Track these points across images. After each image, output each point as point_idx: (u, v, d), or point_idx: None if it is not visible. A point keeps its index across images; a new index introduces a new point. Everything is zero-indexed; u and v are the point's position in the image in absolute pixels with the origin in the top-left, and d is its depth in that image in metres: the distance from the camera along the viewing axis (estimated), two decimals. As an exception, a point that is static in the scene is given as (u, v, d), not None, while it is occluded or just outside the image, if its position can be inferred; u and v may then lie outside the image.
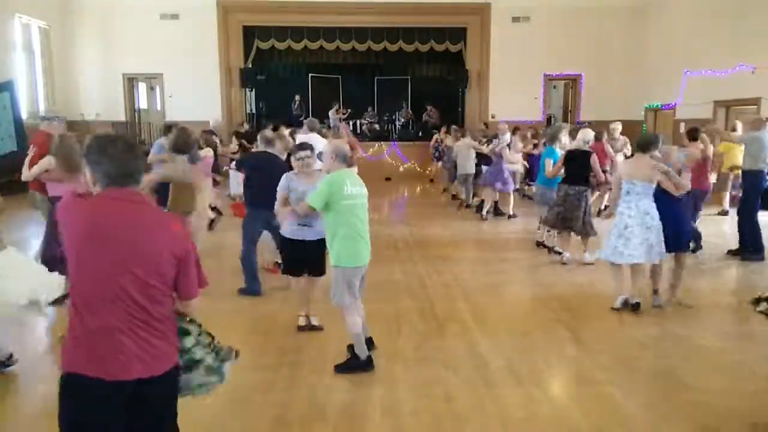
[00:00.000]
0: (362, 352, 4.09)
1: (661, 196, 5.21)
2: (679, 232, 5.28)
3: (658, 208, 5.19)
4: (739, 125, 9.22)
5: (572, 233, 7.01)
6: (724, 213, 10.21)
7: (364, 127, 17.38)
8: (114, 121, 15.84)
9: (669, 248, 5.26)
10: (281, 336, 4.80)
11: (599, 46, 16.17)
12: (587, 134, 7.02)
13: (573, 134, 8.04)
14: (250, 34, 16.57)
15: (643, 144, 5.36)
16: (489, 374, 4.10)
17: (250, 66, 16.76)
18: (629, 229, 5.17)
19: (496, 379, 4.04)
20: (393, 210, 12.00)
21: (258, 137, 6.23)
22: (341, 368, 4.11)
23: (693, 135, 7.49)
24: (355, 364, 4.11)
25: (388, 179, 15.86)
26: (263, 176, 5.63)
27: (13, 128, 10.90)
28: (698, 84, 13.09)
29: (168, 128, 8.01)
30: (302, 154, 4.63)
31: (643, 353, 4.50)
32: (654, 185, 5.18)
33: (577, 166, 6.78)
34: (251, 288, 5.78)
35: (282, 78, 18.10)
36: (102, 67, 15.92)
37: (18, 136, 10.90)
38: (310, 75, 17.94)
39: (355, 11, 15.99)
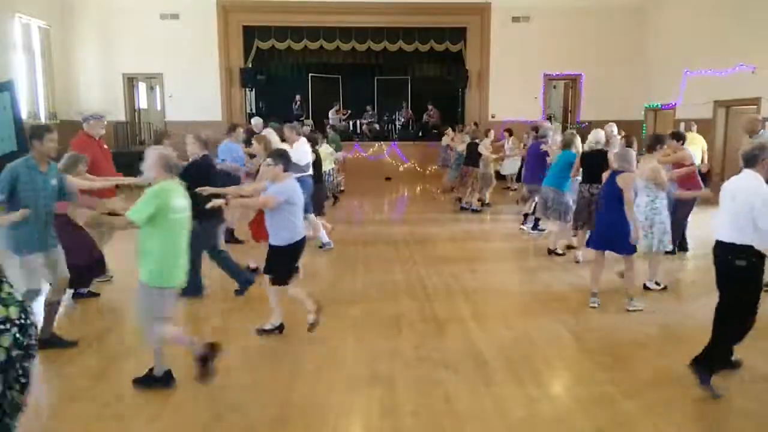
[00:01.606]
0: (161, 368, 3.82)
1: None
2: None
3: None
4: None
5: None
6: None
7: (364, 127, 17.39)
8: (114, 121, 15.84)
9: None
10: (281, 337, 4.80)
11: (599, 46, 16.18)
12: (598, 135, 7.03)
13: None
14: (250, 34, 16.57)
15: (646, 146, 5.96)
16: (489, 374, 4.10)
17: (250, 66, 16.76)
18: None
19: (496, 379, 4.04)
20: (393, 210, 12.00)
21: (189, 140, 5.54)
22: (140, 382, 3.83)
23: (678, 136, 7.32)
24: (154, 379, 3.82)
25: (388, 179, 15.87)
26: (211, 184, 5.13)
27: (13, 128, 10.87)
28: (698, 84, 13.10)
29: (233, 127, 7.76)
30: (268, 161, 4.58)
31: (643, 353, 4.50)
32: (649, 183, 5.69)
33: (595, 166, 6.63)
34: (243, 282, 5.72)
35: (282, 78, 18.10)
36: (102, 67, 15.93)
37: (18, 137, 10.89)
38: (310, 75, 17.96)
39: (355, 11, 15.99)
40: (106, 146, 6.36)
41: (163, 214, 3.50)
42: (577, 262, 7.04)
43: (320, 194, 8.31)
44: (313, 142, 8.30)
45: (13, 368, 2.50)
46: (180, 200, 3.62)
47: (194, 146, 5.53)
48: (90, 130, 6.12)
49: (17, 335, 2.50)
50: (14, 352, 2.48)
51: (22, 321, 2.55)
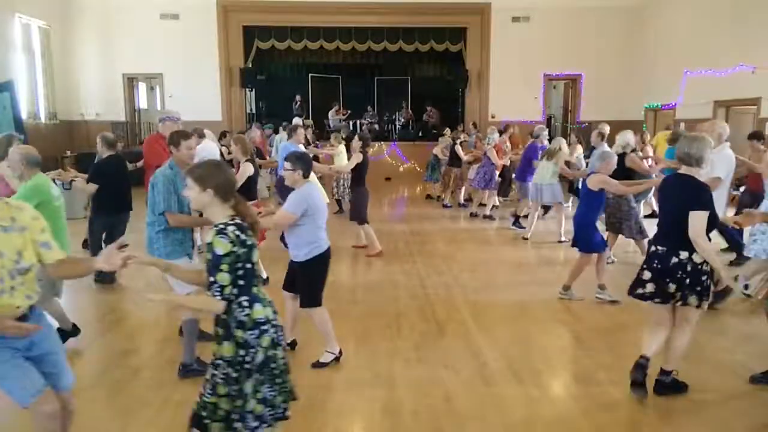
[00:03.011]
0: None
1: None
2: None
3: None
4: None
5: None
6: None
7: (364, 127, 17.39)
8: (114, 121, 15.85)
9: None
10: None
11: (599, 46, 16.18)
12: (626, 137, 6.96)
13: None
14: (250, 34, 16.57)
15: None
16: (489, 374, 4.11)
17: (250, 66, 16.76)
18: None
19: (496, 379, 4.04)
20: (393, 210, 12.00)
21: (99, 140, 6.10)
22: None
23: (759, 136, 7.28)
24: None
25: (388, 179, 15.87)
26: (118, 182, 6.05)
27: (13, 128, 10.89)
28: (698, 84, 13.09)
29: (294, 128, 7.62)
30: (286, 165, 4.13)
31: (643, 353, 4.49)
32: None
33: (619, 170, 6.32)
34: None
35: (282, 78, 18.12)
36: (102, 67, 15.93)
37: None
38: (310, 75, 17.96)
39: (355, 11, 15.99)
40: None
41: (46, 203, 3.92)
42: (609, 262, 6.98)
43: (363, 199, 7.55)
44: (364, 143, 7.48)
45: (267, 368, 2.53)
46: (54, 189, 4.15)
47: (100, 146, 6.08)
48: (165, 131, 5.89)
49: (273, 335, 2.54)
50: (270, 352, 2.52)
51: (275, 321, 2.59)
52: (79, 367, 3.98)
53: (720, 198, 5.53)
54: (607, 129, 8.25)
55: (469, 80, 16.96)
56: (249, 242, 2.47)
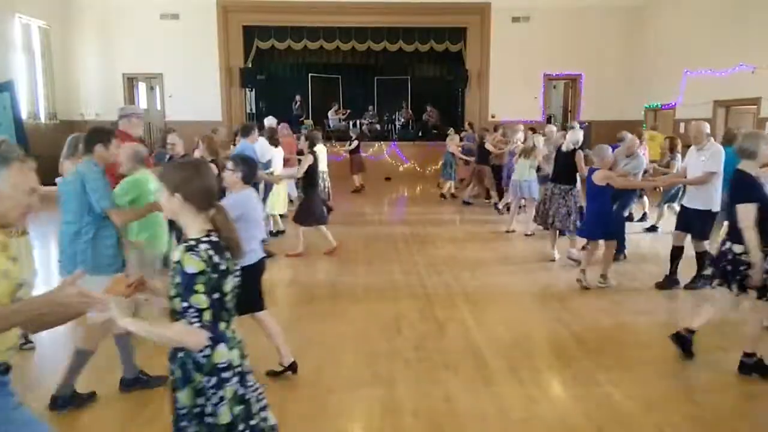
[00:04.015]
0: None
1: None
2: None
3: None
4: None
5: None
6: (653, 228, 8.83)
7: (364, 127, 17.40)
8: (114, 121, 15.83)
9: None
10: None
11: (599, 46, 16.19)
12: (576, 135, 7.09)
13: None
14: (250, 34, 16.59)
15: None
16: (489, 374, 4.11)
17: (250, 66, 16.77)
18: None
19: (496, 379, 4.04)
20: (393, 210, 12.00)
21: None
22: None
23: None
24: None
25: (388, 179, 15.87)
26: None
27: (13, 128, 10.93)
28: (698, 84, 13.10)
29: (251, 128, 7.34)
30: (228, 165, 3.97)
31: (643, 353, 4.50)
32: None
33: (564, 165, 6.98)
34: None
35: (282, 78, 18.13)
36: (102, 67, 15.94)
37: (18, 137, 10.91)
38: (310, 75, 17.97)
39: (355, 11, 16.00)
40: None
41: (144, 197, 3.99)
42: (552, 260, 7.17)
43: (311, 203, 7.28)
44: (311, 142, 7.58)
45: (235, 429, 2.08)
46: (152, 184, 4.07)
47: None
48: (130, 128, 4.99)
49: (238, 387, 2.10)
50: (237, 409, 2.08)
51: (241, 368, 2.15)
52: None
53: (717, 191, 5.67)
54: (570, 128, 8.60)
55: (469, 80, 16.97)
56: (222, 267, 2.04)
